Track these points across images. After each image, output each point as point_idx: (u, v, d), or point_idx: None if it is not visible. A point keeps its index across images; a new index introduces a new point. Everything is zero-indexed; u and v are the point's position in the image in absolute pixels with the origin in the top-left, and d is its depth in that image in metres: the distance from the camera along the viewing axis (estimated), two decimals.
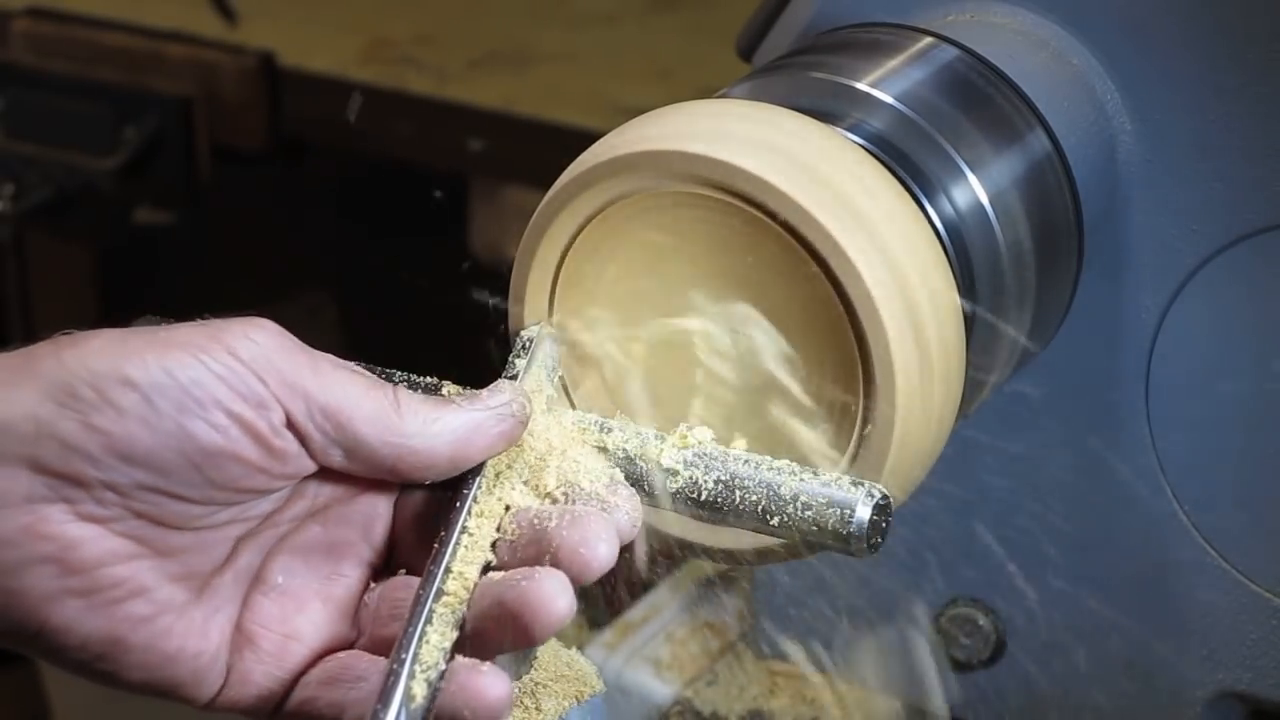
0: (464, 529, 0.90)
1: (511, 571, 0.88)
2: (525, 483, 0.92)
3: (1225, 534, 1.16)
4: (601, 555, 0.88)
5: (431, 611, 0.87)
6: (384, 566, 0.95)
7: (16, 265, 2.29)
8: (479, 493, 0.91)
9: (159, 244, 2.27)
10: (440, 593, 0.88)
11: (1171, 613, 1.19)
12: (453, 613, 0.88)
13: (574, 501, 0.91)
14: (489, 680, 0.85)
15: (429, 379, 0.95)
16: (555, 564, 0.87)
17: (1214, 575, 1.17)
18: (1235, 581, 1.17)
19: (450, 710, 0.85)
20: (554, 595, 0.86)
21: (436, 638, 0.87)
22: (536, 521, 0.89)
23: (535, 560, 0.88)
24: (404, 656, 0.86)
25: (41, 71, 2.22)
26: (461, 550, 0.89)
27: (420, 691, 0.85)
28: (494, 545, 0.90)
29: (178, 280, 2.27)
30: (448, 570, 0.89)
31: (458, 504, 0.91)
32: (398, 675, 0.85)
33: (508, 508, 0.91)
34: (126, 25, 2.23)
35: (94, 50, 2.22)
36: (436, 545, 0.90)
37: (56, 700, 2.28)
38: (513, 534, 0.90)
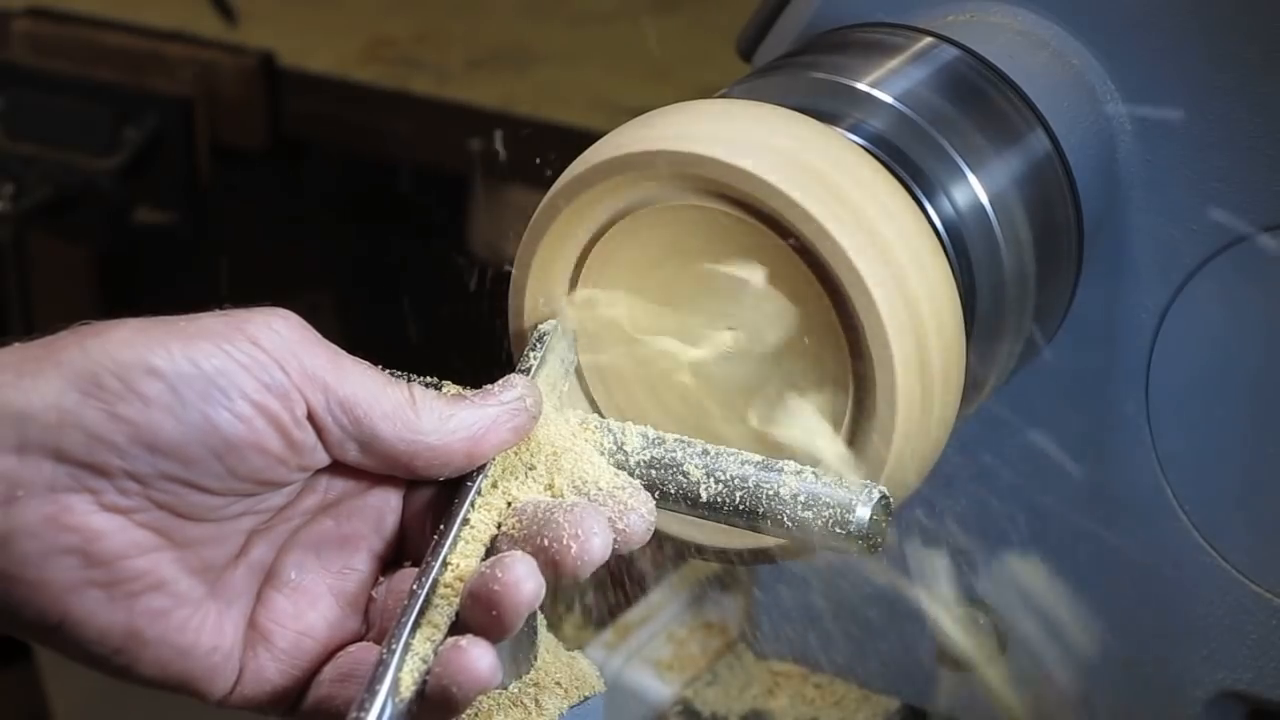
0: (465, 522, 0.90)
1: (485, 560, 0.88)
2: (534, 479, 0.92)
3: (1225, 534, 1.16)
4: (595, 548, 0.88)
5: (426, 603, 0.88)
6: (394, 559, 0.95)
7: (16, 265, 2.29)
8: (483, 486, 0.91)
9: (159, 244, 2.26)
10: (436, 584, 0.88)
11: (1171, 613, 1.19)
12: (448, 604, 0.88)
13: (587, 500, 0.91)
14: (474, 653, 0.85)
15: (429, 379, 0.95)
16: (549, 556, 0.87)
17: (1214, 575, 1.17)
18: (1235, 581, 1.17)
19: (438, 688, 0.85)
20: (521, 579, 0.86)
21: (429, 629, 0.87)
22: (534, 515, 0.89)
23: (531, 553, 0.88)
24: (394, 646, 0.86)
25: (41, 71, 2.22)
26: (461, 543, 0.90)
27: (409, 682, 0.85)
28: (494, 539, 0.90)
29: (178, 280, 2.27)
30: (445, 563, 0.89)
31: (460, 497, 0.91)
32: (386, 665, 0.85)
33: (509, 503, 0.91)
34: (126, 25, 2.23)
35: (94, 50, 2.21)
36: (436, 538, 0.90)
37: (56, 700, 2.28)
38: (512, 527, 0.90)
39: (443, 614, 0.88)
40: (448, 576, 0.88)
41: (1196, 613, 1.18)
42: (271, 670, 0.92)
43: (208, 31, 2.23)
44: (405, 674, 0.86)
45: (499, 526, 0.90)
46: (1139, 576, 1.20)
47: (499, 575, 0.86)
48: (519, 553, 0.88)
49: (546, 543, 0.88)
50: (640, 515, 0.91)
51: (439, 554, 0.89)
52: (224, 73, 2.15)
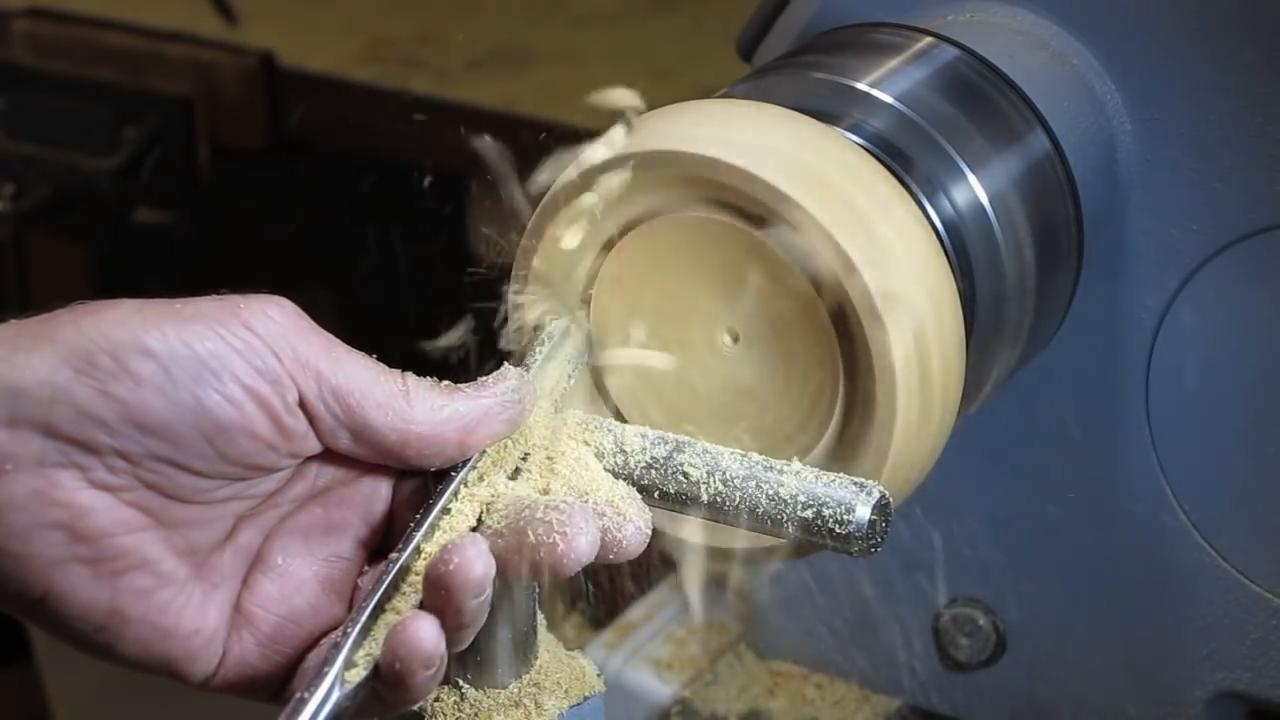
0: (445, 511, 0.90)
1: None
2: (529, 483, 0.92)
3: (1225, 534, 1.16)
4: (581, 546, 0.88)
5: (394, 588, 0.88)
6: (381, 548, 0.95)
7: (16, 265, 2.29)
8: (470, 477, 0.91)
9: (159, 244, 2.26)
10: (407, 570, 0.88)
11: (1171, 613, 1.19)
12: (415, 591, 0.88)
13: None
14: (413, 626, 0.86)
15: (428, 380, 0.95)
16: (535, 552, 0.87)
17: (1214, 575, 1.17)
18: (1235, 581, 1.17)
19: (385, 665, 0.86)
20: (470, 561, 0.86)
21: (392, 615, 0.87)
22: (521, 510, 0.89)
23: (516, 547, 0.88)
24: (350, 630, 0.86)
25: (41, 71, 2.22)
26: (437, 532, 0.90)
27: (363, 664, 0.86)
28: (474, 531, 0.90)
29: (178, 280, 2.27)
30: (418, 550, 0.89)
31: (443, 486, 0.91)
32: (340, 647, 0.86)
33: (495, 497, 0.91)
34: (126, 25, 2.23)
35: (94, 50, 2.21)
36: (411, 525, 0.90)
37: (56, 700, 2.28)
38: (498, 521, 0.90)
39: (408, 601, 0.88)
40: (418, 564, 0.89)
41: (1196, 613, 1.18)
42: (255, 655, 0.92)
43: (208, 31, 2.23)
44: (361, 656, 0.86)
45: (480, 520, 0.90)
46: (1139, 576, 1.20)
47: (449, 556, 0.86)
48: (473, 535, 0.88)
49: (533, 539, 0.88)
50: (636, 526, 0.91)
51: (411, 540, 0.89)
52: (224, 73, 2.14)
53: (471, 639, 0.89)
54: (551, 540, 0.87)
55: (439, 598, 0.87)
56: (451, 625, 0.87)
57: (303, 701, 0.85)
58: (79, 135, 2.18)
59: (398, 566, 0.88)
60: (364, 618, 0.87)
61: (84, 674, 2.18)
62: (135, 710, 2.11)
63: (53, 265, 2.31)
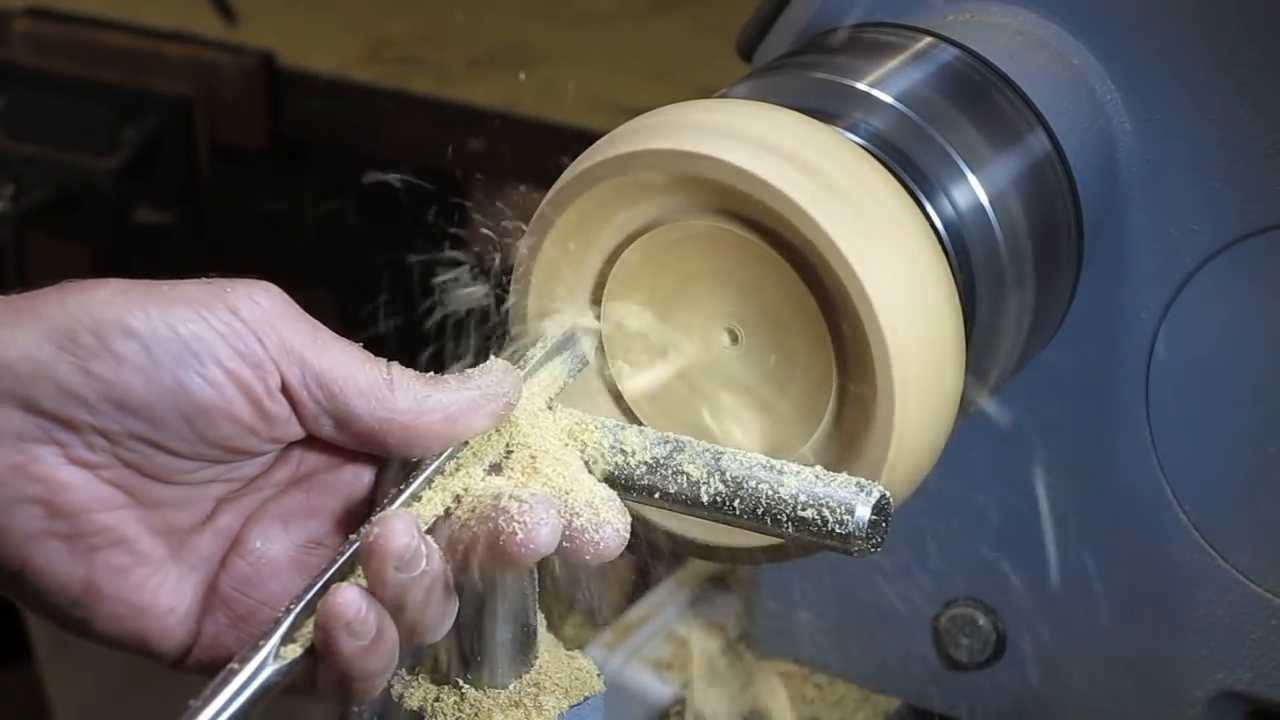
0: (415, 498, 0.90)
1: None
2: (505, 475, 0.92)
3: (1225, 534, 1.16)
4: (541, 536, 0.88)
5: (349, 568, 0.88)
6: None
7: (16, 265, 2.29)
8: (446, 467, 0.91)
9: (159, 244, 2.26)
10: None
11: (1171, 613, 1.19)
12: None
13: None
14: (338, 591, 0.86)
15: (413, 370, 0.95)
16: (496, 540, 0.87)
17: (1214, 575, 1.17)
18: (1235, 581, 1.17)
19: (315, 636, 0.86)
20: (393, 533, 0.86)
21: None
22: (486, 499, 0.89)
23: (478, 537, 0.88)
24: (293, 607, 0.86)
25: (41, 71, 2.22)
26: None
27: (300, 641, 0.86)
28: (440, 521, 0.90)
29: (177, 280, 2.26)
30: None
31: (415, 474, 0.91)
32: (280, 622, 0.86)
33: (467, 489, 0.91)
34: (126, 25, 2.23)
35: (94, 50, 2.21)
36: (379, 509, 0.90)
37: (56, 700, 2.28)
38: (464, 510, 0.90)
39: (361, 583, 0.88)
40: None
41: (1196, 613, 1.18)
42: (229, 637, 0.92)
43: (208, 31, 2.23)
44: (303, 633, 0.86)
45: (447, 511, 0.90)
46: (1139, 576, 1.20)
47: (373, 528, 0.87)
48: (405, 511, 0.88)
49: (493, 526, 0.88)
50: (615, 529, 0.91)
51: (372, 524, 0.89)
52: (224, 73, 2.15)
53: (425, 626, 0.89)
54: (511, 530, 0.88)
55: (366, 569, 0.87)
56: (392, 605, 0.87)
57: (232, 673, 0.85)
58: (79, 135, 2.18)
59: (353, 549, 0.88)
60: (310, 595, 0.87)
61: (84, 674, 2.18)
62: (135, 710, 2.10)
63: (53, 265, 2.31)
